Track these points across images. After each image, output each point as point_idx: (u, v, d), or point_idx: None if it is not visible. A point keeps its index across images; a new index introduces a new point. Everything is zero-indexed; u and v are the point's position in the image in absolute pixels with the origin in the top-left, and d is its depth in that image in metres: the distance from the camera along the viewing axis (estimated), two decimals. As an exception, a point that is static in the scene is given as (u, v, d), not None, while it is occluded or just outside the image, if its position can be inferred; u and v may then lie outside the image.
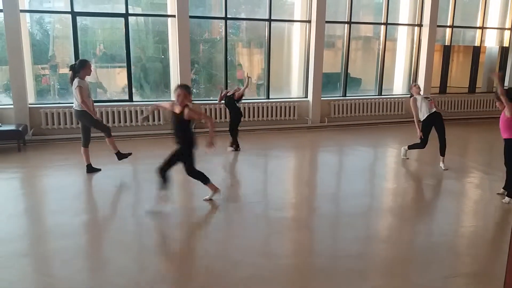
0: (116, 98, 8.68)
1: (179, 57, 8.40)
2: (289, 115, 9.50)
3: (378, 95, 10.46)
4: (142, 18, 8.77)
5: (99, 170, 5.94)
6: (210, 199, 4.87)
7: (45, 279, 3.30)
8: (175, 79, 8.72)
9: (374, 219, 4.67)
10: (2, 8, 7.28)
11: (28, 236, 4.10)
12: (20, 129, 7.16)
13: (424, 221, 4.60)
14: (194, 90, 9.03)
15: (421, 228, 4.43)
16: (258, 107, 9.19)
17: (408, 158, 6.88)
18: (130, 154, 6.22)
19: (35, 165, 6.42)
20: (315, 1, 9.23)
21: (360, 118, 10.07)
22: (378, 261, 3.68)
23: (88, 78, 5.82)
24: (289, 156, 7.58)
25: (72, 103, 5.91)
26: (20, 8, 7.50)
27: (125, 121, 8.29)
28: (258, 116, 9.24)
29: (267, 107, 9.29)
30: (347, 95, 10.17)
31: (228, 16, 8.98)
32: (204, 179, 4.80)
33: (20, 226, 4.32)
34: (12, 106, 7.62)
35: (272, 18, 9.26)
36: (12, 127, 7.22)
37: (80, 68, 5.62)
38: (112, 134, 6.03)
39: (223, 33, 9.00)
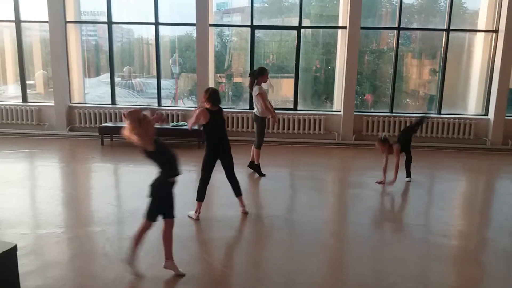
0: (280, 107, 9.18)
1: (345, 68, 8.43)
2: (464, 134, 8.61)
3: None
4: (310, 30, 9.07)
5: (264, 174, 6.34)
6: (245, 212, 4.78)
7: (209, 262, 3.68)
8: (339, 90, 8.78)
9: None
10: (195, 22, 8.43)
11: (200, 223, 4.63)
12: (201, 128, 8.16)
13: None
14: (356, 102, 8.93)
15: None
16: (428, 123, 8.57)
17: None
18: (263, 175, 6.35)
19: (209, 162, 7.22)
20: (505, 8, 8.17)
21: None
22: None
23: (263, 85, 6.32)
24: (460, 179, 6.85)
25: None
26: (209, 23, 8.57)
27: (289, 129, 8.69)
28: (427, 132, 8.62)
29: (438, 123, 8.60)
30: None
31: (402, 26, 8.62)
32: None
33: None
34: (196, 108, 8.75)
35: (451, 27, 8.54)
36: (194, 127, 8.28)
37: (259, 75, 6.12)
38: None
39: (394, 44, 8.67)
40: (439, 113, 8.83)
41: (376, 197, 5.71)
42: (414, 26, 9.21)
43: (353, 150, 8.35)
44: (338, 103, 8.91)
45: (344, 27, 8.47)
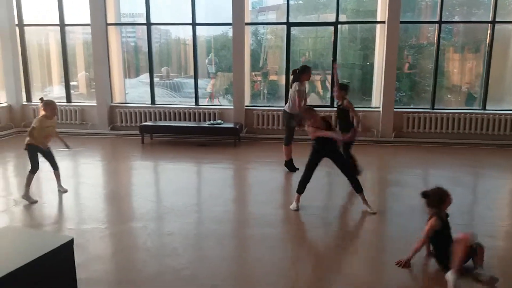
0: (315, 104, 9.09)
1: (384, 64, 8.23)
2: (511, 130, 8.21)
3: None
4: (346, 25, 8.90)
5: (297, 169, 6.30)
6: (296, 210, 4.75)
7: (247, 260, 3.70)
8: (378, 86, 8.60)
9: None
10: (232, 21, 8.49)
11: (236, 220, 4.67)
12: (237, 127, 8.27)
13: None
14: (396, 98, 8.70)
15: None
16: (471, 119, 8.25)
17: None
18: (296, 169, 6.28)
19: (246, 159, 7.27)
20: (556, -4, 7.72)
21: None
22: None
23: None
24: (506, 178, 6.54)
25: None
26: (245, 21, 8.60)
27: (325, 126, 8.59)
28: (470, 129, 8.29)
29: (483, 119, 8.25)
30: None
31: (443, 19, 8.32)
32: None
33: (231, 211, 4.95)
34: (232, 107, 8.84)
35: (496, 19, 8.16)
36: (231, 125, 8.39)
37: (302, 73, 6.05)
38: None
39: (435, 38, 8.38)
40: (484, 109, 8.46)
41: (417, 196, 5.51)
42: (456, 19, 8.87)
43: (393, 147, 8.15)
44: (377, 99, 8.72)
45: (383, 22, 8.28)
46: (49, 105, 5.15)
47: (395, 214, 4.82)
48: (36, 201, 5.04)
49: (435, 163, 7.15)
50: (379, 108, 8.53)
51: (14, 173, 6.59)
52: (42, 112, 5.12)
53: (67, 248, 1.53)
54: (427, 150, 7.92)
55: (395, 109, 8.44)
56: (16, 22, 9.41)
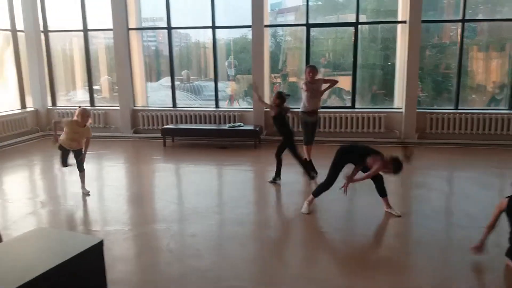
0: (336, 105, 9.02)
1: (406, 64, 8.12)
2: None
3: None
4: (366, 26, 8.81)
5: (314, 173, 6.19)
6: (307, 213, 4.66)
7: (270, 261, 3.70)
8: (400, 86, 8.48)
9: None
10: (251, 24, 8.51)
11: (258, 222, 4.66)
12: (257, 129, 8.29)
13: None
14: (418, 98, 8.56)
15: None
16: (497, 119, 8.07)
17: None
18: (314, 173, 6.17)
19: (266, 162, 7.25)
20: None
21: None
22: None
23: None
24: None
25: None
26: (265, 24, 8.61)
27: (346, 128, 8.52)
28: (496, 130, 8.10)
29: (509, 120, 8.05)
30: None
31: (466, 18, 8.15)
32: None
33: (253, 213, 4.96)
34: (252, 109, 8.86)
35: (523, 16, 7.96)
36: (251, 127, 8.41)
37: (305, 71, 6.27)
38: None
39: (459, 37, 8.22)
40: (510, 109, 8.25)
41: (442, 199, 5.45)
42: (480, 17, 8.68)
43: (417, 148, 7.98)
44: (399, 100, 8.60)
45: (404, 22, 8.17)
46: (81, 113, 5.31)
47: (420, 216, 4.74)
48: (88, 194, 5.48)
49: (460, 165, 7.01)
50: (402, 109, 8.41)
51: (40, 175, 6.76)
52: (75, 117, 5.35)
53: (97, 249, 1.56)
54: (451, 151, 7.77)
55: (418, 110, 8.31)
56: (42, 29, 9.66)
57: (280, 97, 5.79)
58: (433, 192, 5.54)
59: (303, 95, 6.15)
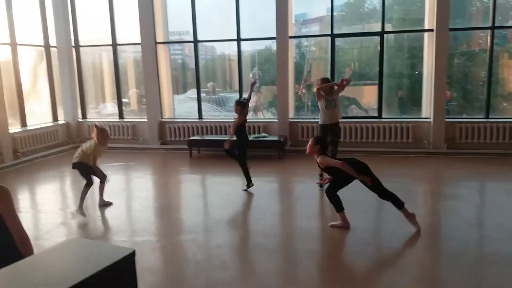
0: (363, 115, 8.92)
1: (434, 73, 7.97)
2: None
3: None
4: (392, 35, 8.73)
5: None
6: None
7: (295, 274, 3.67)
8: (428, 95, 8.33)
9: None
10: (275, 36, 8.58)
11: (283, 234, 4.64)
12: (282, 140, 8.28)
13: None
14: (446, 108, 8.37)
15: None
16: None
17: None
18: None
19: (291, 172, 7.25)
20: None
21: None
22: None
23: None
24: None
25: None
26: (289, 35, 8.66)
27: (373, 138, 8.41)
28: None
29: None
30: None
31: (496, 25, 7.96)
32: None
33: (278, 224, 4.94)
34: (276, 120, 8.88)
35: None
36: (275, 138, 8.41)
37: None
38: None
39: (488, 44, 8.02)
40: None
41: (473, 210, 5.28)
42: (510, 24, 8.46)
43: (446, 159, 7.82)
44: (427, 109, 8.43)
45: (431, 30, 8.05)
46: (101, 134, 5.28)
47: (451, 228, 4.61)
48: (85, 216, 5.19)
49: (490, 175, 6.80)
50: (430, 118, 8.24)
51: (71, 187, 6.94)
52: (95, 138, 5.29)
53: (129, 260, 1.59)
54: (482, 161, 7.54)
55: (446, 119, 8.13)
56: (73, 44, 10.02)
57: (241, 104, 5.97)
58: (464, 203, 5.38)
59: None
